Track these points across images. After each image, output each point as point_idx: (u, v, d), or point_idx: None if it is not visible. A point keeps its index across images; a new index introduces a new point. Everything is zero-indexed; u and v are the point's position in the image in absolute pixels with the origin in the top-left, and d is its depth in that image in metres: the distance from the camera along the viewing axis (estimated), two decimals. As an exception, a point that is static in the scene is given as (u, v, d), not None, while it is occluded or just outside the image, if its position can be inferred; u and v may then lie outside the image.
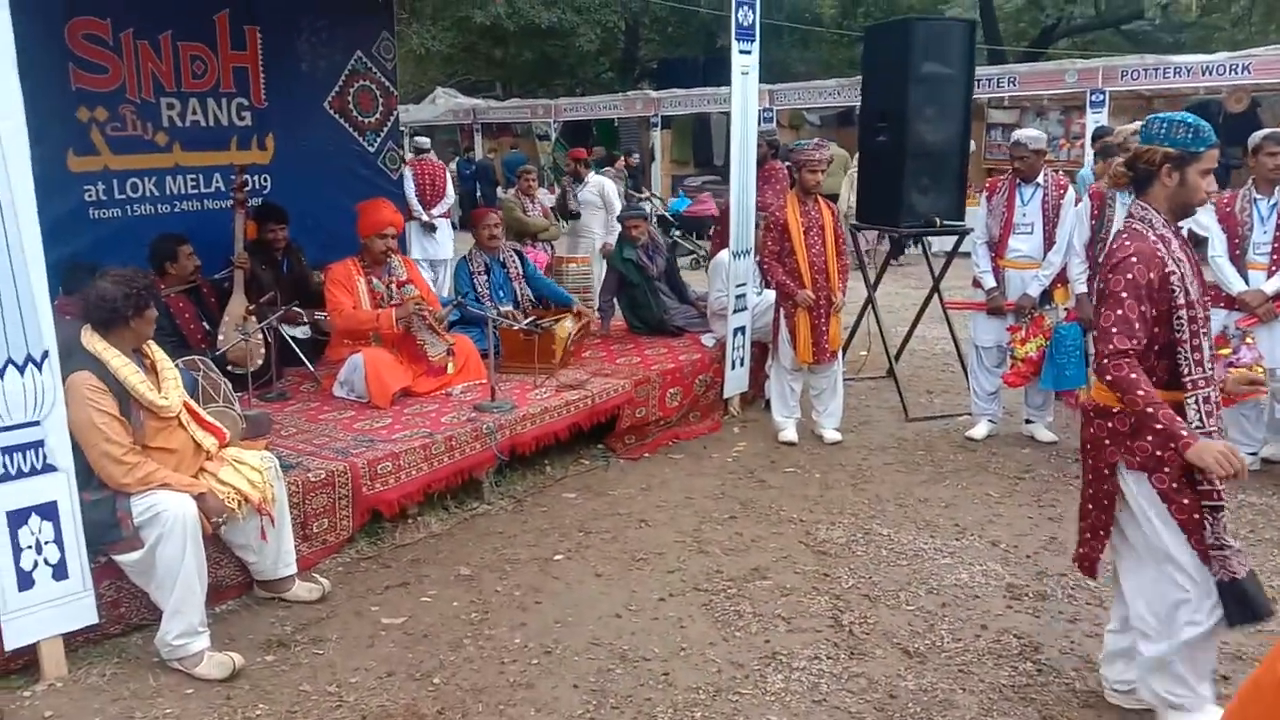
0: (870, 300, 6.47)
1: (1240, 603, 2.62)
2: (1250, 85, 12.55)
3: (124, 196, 5.71)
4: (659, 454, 5.50)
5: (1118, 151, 5.03)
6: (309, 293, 5.74)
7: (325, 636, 3.49)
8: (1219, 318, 4.94)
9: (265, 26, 6.34)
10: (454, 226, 9.04)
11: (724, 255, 6.10)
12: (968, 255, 5.84)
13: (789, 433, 5.64)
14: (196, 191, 6.10)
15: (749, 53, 5.80)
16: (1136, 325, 2.60)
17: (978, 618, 3.58)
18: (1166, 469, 2.65)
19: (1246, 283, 4.83)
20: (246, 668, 3.26)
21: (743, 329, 5.99)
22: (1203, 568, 2.65)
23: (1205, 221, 5.04)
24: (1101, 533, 2.87)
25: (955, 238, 6.55)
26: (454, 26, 22.45)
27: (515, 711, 3.01)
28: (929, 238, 6.61)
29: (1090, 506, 2.90)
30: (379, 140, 7.12)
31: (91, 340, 3.26)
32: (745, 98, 5.84)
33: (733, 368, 6.01)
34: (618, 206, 8.45)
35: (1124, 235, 2.75)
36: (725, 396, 6.08)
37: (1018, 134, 5.52)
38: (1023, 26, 24.79)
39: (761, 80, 18.35)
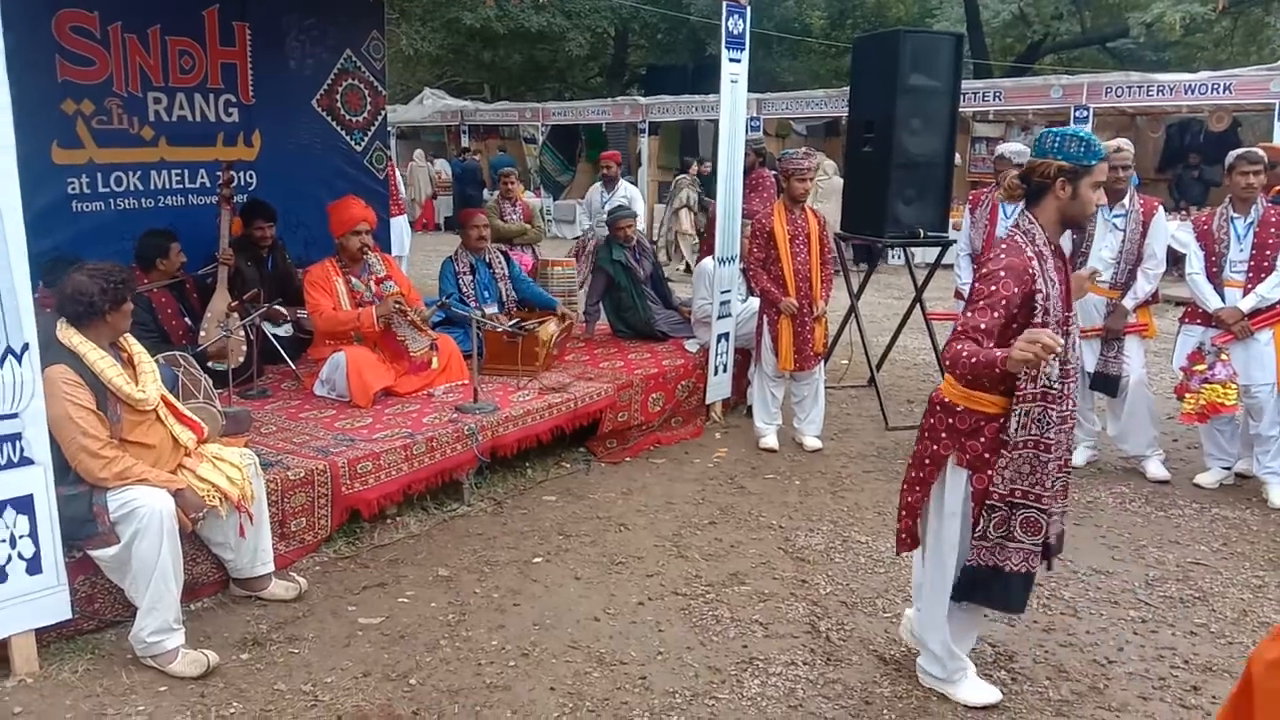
0: (853, 309, 6.50)
1: (973, 584, 2.96)
2: (1231, 105, 12.70)
3: (108, 190, 5.68)
4: (640, 458, 5.51)
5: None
6: (293, 290, 5.72)
7: (301, 635, 3.48)
8: (1196, 334, 5.02)
9: (255, 23, 6.32)
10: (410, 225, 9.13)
11: (708, 262, 6.12)
12: (950, 267, 5.88)
13: (770, 439, 5.66)
14: (181, 186, 6.07)
15: (739, 61, 5.83)
16: (983, 327, 2.70)
17: (953, 626, 3.60)
18: (989, 472, 2.85)
19: (1223, 300, 4.90)
20: (221, 666, 3.24)
21: (726, 335, 6.01)
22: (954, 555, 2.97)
23: (1184, 239, 5.12)
24: (916, 513, 3.11)
25: (938, 249, 6.59)
26: (444, 28, 22.43)
27: (491, 713, 3.01)
28: (912, 248, 6.64)
29: (912, 488, 3.09)
30: (366, 139, 7.11)
31: (67, 334, 3.24)
32: (734, 105, 5.86)
33: (715, 374, 6.03)
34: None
35: (1002, 245, 2.85)
36: (708, 402, 6.09)
37: (1002, 148, 5.58)
38: (1010, 41, 24.98)
39: (750, 89, 18.41)
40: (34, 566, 3.14)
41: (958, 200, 9.19)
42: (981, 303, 2.73)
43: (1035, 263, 2.75)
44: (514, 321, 5.58)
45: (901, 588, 3.90)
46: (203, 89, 6.11)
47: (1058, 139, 2.80)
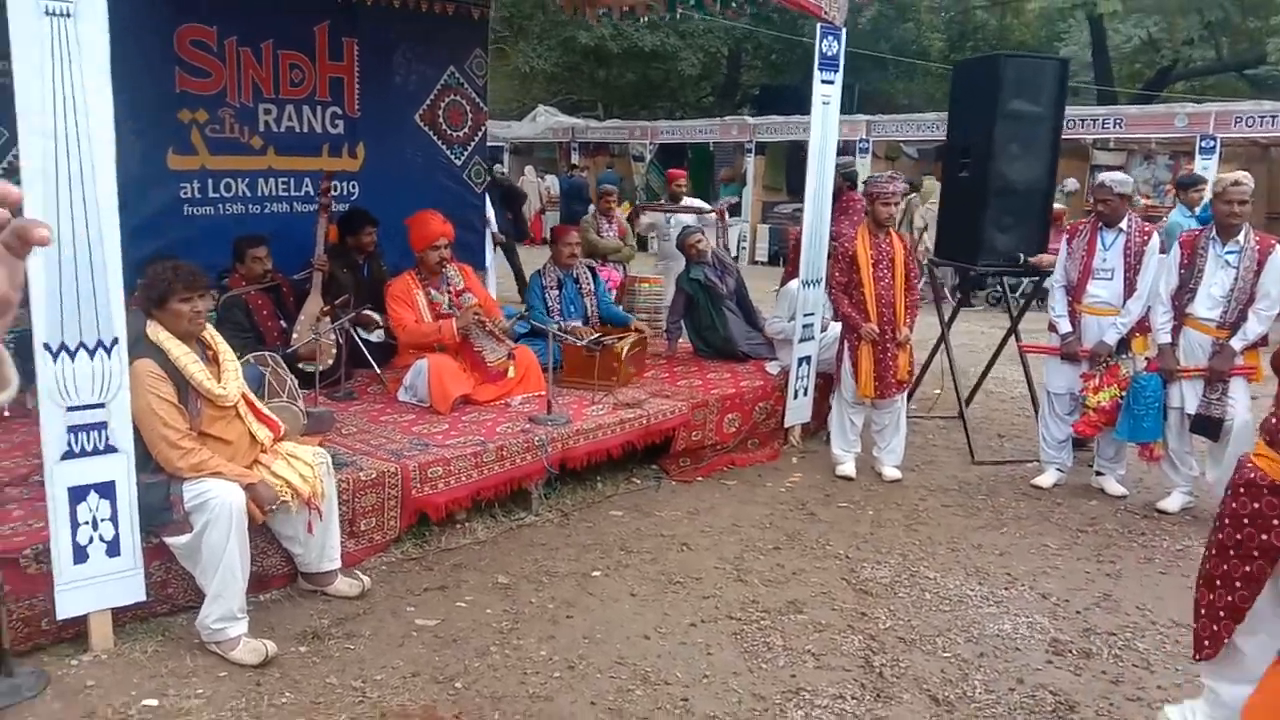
0: (943, 338, 6.33)
1: None
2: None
3: (217, 195, 5.99)
4: (712, 479, 5.47)
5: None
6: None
7: (359, 632, 3.57)
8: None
9: (363, 39, 6.59)
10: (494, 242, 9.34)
11: (793, 284, 6.07)
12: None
13: (847, 467, 5.56)
14: (286, 194, 6.35)
15: (831, 82, 5.77)
16: None
17: (1015, 670, 3.46)
18: None
19: None
20: (279, 656, 3.35)
21: (808, 358, 5.94)
22: None
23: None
24: (1235, 615, 2.75)
25: (1035, 279, 6.37)
26: (559, 46, 22.92)
27: (530, 723, 3.03)
28: (1010, 279, 6.44)
29: (1230, 583, 2.75)
30: (466, 154, 7.30)
31: (155, 331, 3.43)
32: (825, 127, 5.80)
33: (795, 397, 5.96)
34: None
35: None
36: (786, 426, 6.02)
37: (1103, 176, 5.36)
38: (1138, 67, 24.09)
39: (862, 110, 18.16)
40: (113, 549, 3.31)
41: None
42: None
43: None
44: (594, 337, 5.62)
45: (965, 628, 3.77)
46: (311, 101, 6.38)
47: None
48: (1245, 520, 2.71)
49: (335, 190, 6.31)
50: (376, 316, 5.54)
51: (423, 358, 5.09)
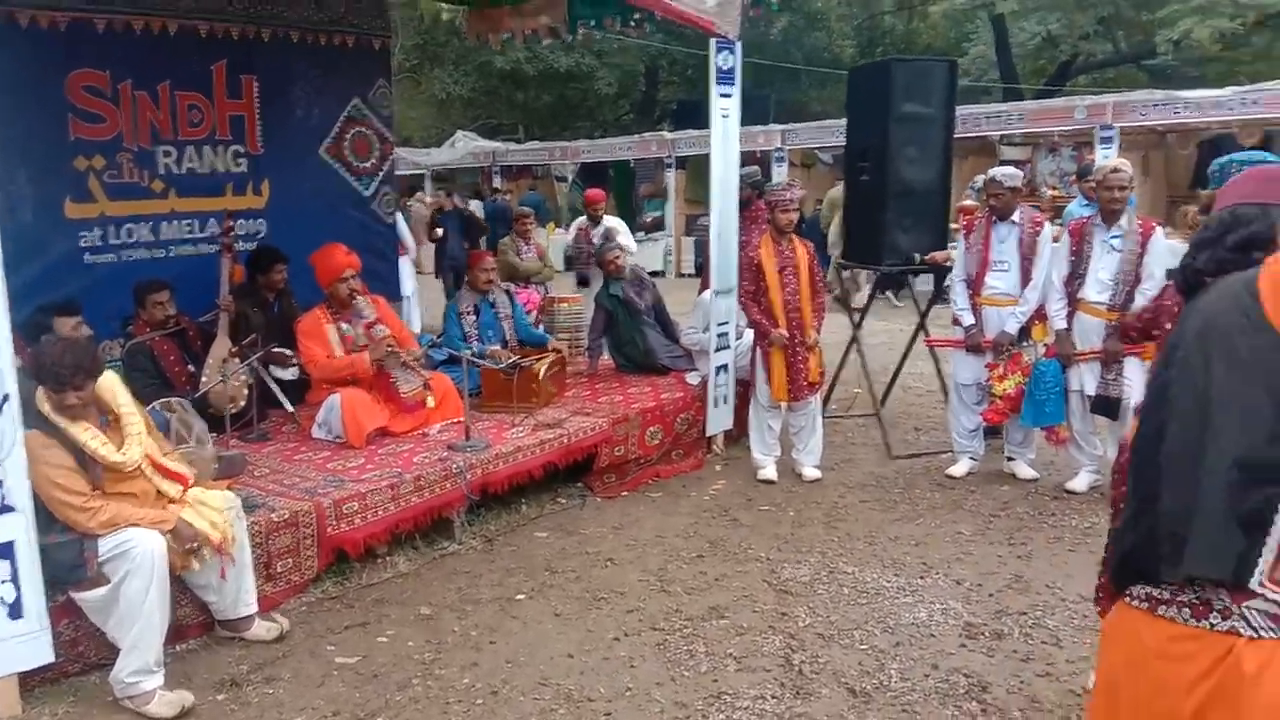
0: (855, 338, 6.47)
1: None
2: (1260, 120, 12.45)
3: (119, 241, 5.89)
4: (637, 492, 5.51)
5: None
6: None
7: (278, 676, 3.53)
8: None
9: (262, 75, 6.54)
10: (413, 265, 9.34)
11: (707, 294, 6.15)
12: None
13: (768, 471, 5.64)
14: (191, 236, 6.26)
15: (729, 96, 5.87)
16: None
17: (930, 657, 3.55)
18: None
19: None
20: (197, 706, 3.31)
21: (725, 367, 6.02)
22: None
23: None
24: None
25: (940, 276, 6.55)
26: (475, 71, 22.92)
27: (452, 751, 3.03)
28: (914, 276, 6.61)
29: None
30: (374, 184, 7.28)
31: (42, 402, 3.33)
32: (726, 140, 5.91)
33: (715, 405, 6.03)
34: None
35: None
36: (708, 434, 6.09)
37: (993, 171, 5.54)
38: (1042, 63, 24.81)
39: (778, 120, 18.31)
40: (15, 612, 3.23)
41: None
42: None
43: None
44: (511, 360, 5.64)
45: (882, 619, 3.85)
46: (211, 141, 6.31)
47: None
48: None
49: (240, 229, 6.25)
50: (288, 353, 5.49)
51: (335, 393, 5.05)
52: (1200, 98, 12.53)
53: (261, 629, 3.79)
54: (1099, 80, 24.40)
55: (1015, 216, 5.39)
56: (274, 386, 5.37)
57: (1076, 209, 7.24)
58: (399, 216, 8.13)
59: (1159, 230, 5.07)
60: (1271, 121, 12.27)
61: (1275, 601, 1.46)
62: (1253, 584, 1.46)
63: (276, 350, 5.35)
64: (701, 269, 10.94)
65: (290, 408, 5.41)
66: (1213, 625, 1.52)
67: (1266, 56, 21.28)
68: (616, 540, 4.78)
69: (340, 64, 6.97)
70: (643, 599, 4.11)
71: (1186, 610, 1.56)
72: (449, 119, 25.38)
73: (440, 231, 10.43)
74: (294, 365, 5.62)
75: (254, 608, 3.80)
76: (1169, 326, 2.71)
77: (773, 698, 3.30)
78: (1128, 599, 1.70)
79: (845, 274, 7.30)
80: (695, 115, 20.67)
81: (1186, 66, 23.08)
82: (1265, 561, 1.45)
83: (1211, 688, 1.51)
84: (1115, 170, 5.07)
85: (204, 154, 6.29)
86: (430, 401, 5.26)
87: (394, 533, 4.44)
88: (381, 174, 7.34)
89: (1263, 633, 1.47)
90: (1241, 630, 1.49)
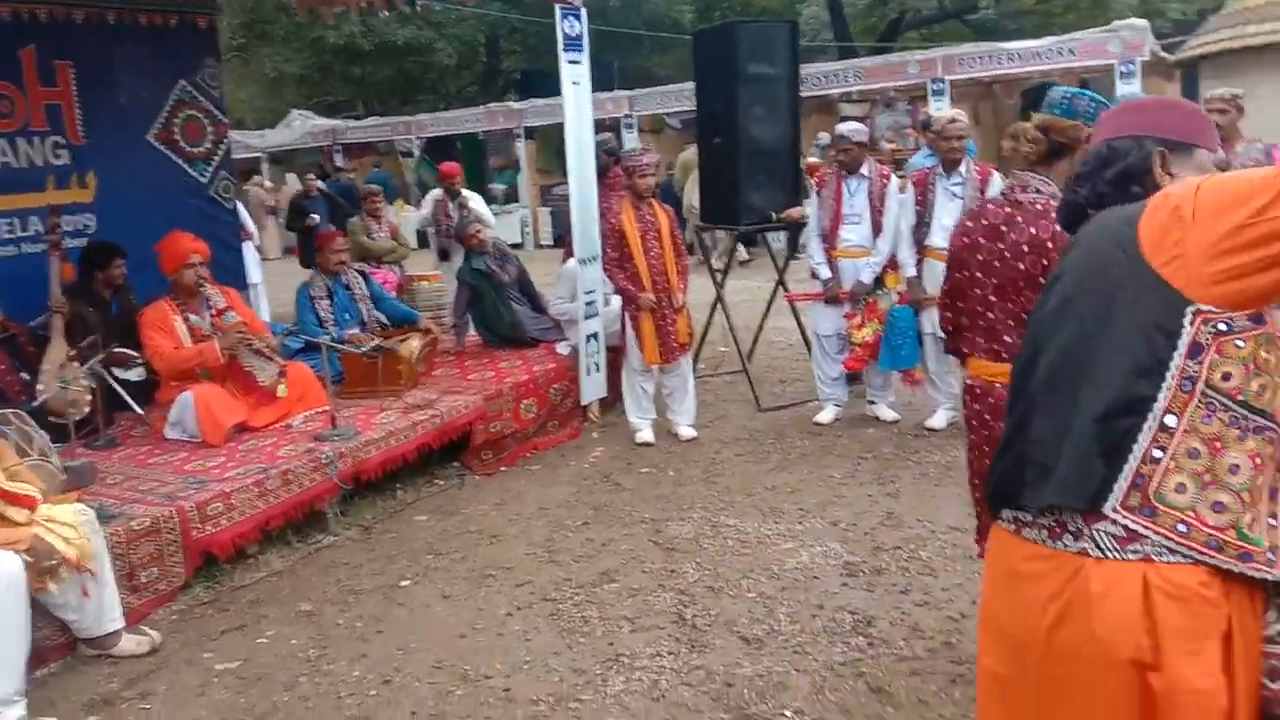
0: (719, 298, 6.58)
1: None
2: (1078, 67, 13.23)
3: (-68, 246, 5.41)
4: (516, 467, 5.47)
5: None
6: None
7: (154, 690, 3.35)
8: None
9: (78, 60, 6.09)
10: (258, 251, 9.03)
11: (571, 264, 6.13)
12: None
13: (645, 433, 5.69)
14: (12, 236, 5.82)
15: (579, 63, 5.84)
16: None
17: (815, 598, 3.68)
18: None
19: None
20: (67, 731, 3.11)
21: (596, 335, 6.02)
22: None
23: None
24: None
25: (795, 233, 6.72)
26: (308, 48, 21.96)
27: (349, 745, 2.95)
28: (771, 234, 6.75)
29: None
30: (211, 170, 6.90)
31: None
32: (579, 108, 5.87)
33: (588, 374, 6.03)
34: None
35: (1053, 219, 2.73)
36: (583, 403, 6.09)
37: (840, 128, 5.71)
38: (873, 21, 25.60)
39: (624, 86, 18.31)
40: None
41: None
42: None
43: None
44: (374, 343, 5.48)
45: (766, 566, 3.96)
46: (25, 133, 5.86)
47: (1093, 104, 2.74)
48: (987, 417, 2.97)
49: (67, 225, 5.83)
50: (132, 353, 5.17)
51: (187, 390, 4.79)
52: (1022, 48, 13.22)
53: (130, 643, 3.58)
54: (927, 36, 25.39)
55: (864, 170, 5.57)
56: (119, 389, 5.05)
57: (921, 160, 7.51)
58: (238, 202, 7.74)
59: (996, 175, 5.33)
60: (1089, 69, 13.05)
61: (1124, 526, 1.53)
62: (1106, 508, 1.53)
63: (118, 350, 5.03)
64: (562, 239, 10.91)
65: (139, 410, 5.10)
66: (1065, 546, 1.59)
67: (1075, 8, 22.62)
68: (499, 516, 4.74)
69: (164, 45, 6.55)
70: (532, 572, 4.09)
71: (1044, 531, 1.63)
72: (283, 98, 24.31)
73: (317, 218, 10.01)
74: (139, 365, 5.30)
75: (120, 622, 3.59)
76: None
77: (669, 654, 3.35)
78: (1000, 522, 1.78)
79: (705, 235, 7.37)
80: (542, 84, 20.47)
81: (1005, 20, 24.28)
82: (1120, 488, 1.52)
83: (1063, 605, 1.57)
84: (952, 120, 5.31)
85: (18, 147, 5.83)
86: (282, 390, 5.05)
87: (264, 530, 4.27)
88: (217, 158, 6.96)
89: (1109, 554, 1.53)
90: (1091, 551, 1.55)
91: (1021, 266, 2.79)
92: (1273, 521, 1.51)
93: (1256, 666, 1.49)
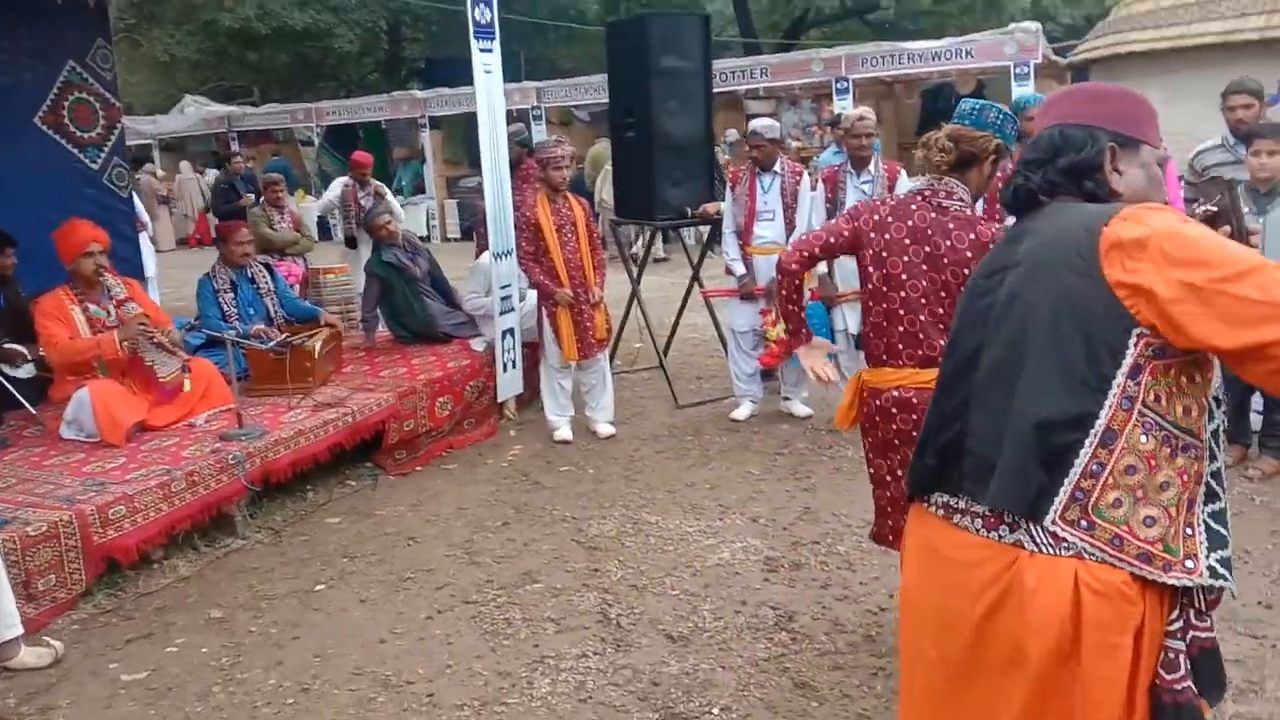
0: (635, 294, 6.58)
1: None
2: (975, 69, 13.66)
3: None
4: (432, 466, 5.38)
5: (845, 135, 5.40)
6: (28, 326, 5.21)
7: (55, 704, 3.19)
8: None
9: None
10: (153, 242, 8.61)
11: (485, 258, 6.05)
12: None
13: (563, 431, 5.66)
14: (-112, 226, 5.44)
15: (490, 51, 5.75)
16: None
17: (738, 594, 3.71)
18: None
19: None
20: (-42, 753, 2.94)
21: (511, 331, 5.95)
22: None
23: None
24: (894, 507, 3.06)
25: (710, 227, 6.76)
26: (201, 31, 21.17)
27: (268, 757, 2.86)
28: (684, 229, 6.78)
29: (893, 476, 3.06)
30: (103, 156, 6.58)
31: None
32: (491, 96, 5.79)
33: (504, 370, 5.96)
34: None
35: (984, 225, 2.83)
36: (500, 400, 6.02)
37: (753, 124, 5.76)
38: (776, 19, 25.98)
39: (530, 77, 18.13)
40: None
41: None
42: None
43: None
44: (281, 338, 5.31)
45: (689, 563, 3.98)
46: (-102, 114, 5.48)
47: (1000, 117, 2.79)
48: (877, 420, 3.04)
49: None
50: (20, 349, 4.89)
51: (83, 386, 4.57)
52: (923, 48, 13.55)
53: (30, 655, 3.39)
54: (829, 35, 25.89)
55: (777, 167, 5.64)
56: (9, 386, 4.77)
57: (829, 157, 7.64)
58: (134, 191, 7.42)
59: (903, 173, 5.47)
60: (985, 70, 13.48)
61: (1062, 538, 1.58)
62: (1046, 521, 1.58)
63: (8, 346, 4.76)
64: (471, 232, 10.74)
65: (32, 409, 4.84)
66: (1000, 537, 1.64)
67: (970, 11, 23.37)
68: (416, 517, 4.65)
69: (50, 24, 6.20)
70: (452, 573, 4.02)
71: (979, 521, 1.68)
72: (175, 83, 23.41)
73: (252, 198, 9.59)
74: (30, 362, 5.03)
75: (18, 631, 3.39)
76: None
77: (595, 654, 3.34)
78: (925, 504, 1.81)
79: (619, 230, 7.37)
80: (447, 72, 20.13)
81: (903, 20, 24.93)
82: (1060, 500, 1.57)
83: (997, 594, 1.63)
84: (861, 118, 5.41)
85: (-110, 127, 5.46)
86: (187, 385, 4.86)
87: (170, 534, 4.10)
88: (110, 144, 6.64)
89: (1043, 548, 1.59)
90: (1025, 544, 1.61)
91: (947, 277, 2.81)
92: (1189, 531, 1.58)
93: (1155, 657, 1.57)
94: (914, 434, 2.89)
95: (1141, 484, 1.55)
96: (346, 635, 3.55)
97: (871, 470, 3.16)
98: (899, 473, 3.01)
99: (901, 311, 2.88)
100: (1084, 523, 1.56)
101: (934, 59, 13.45)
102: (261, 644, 3.52)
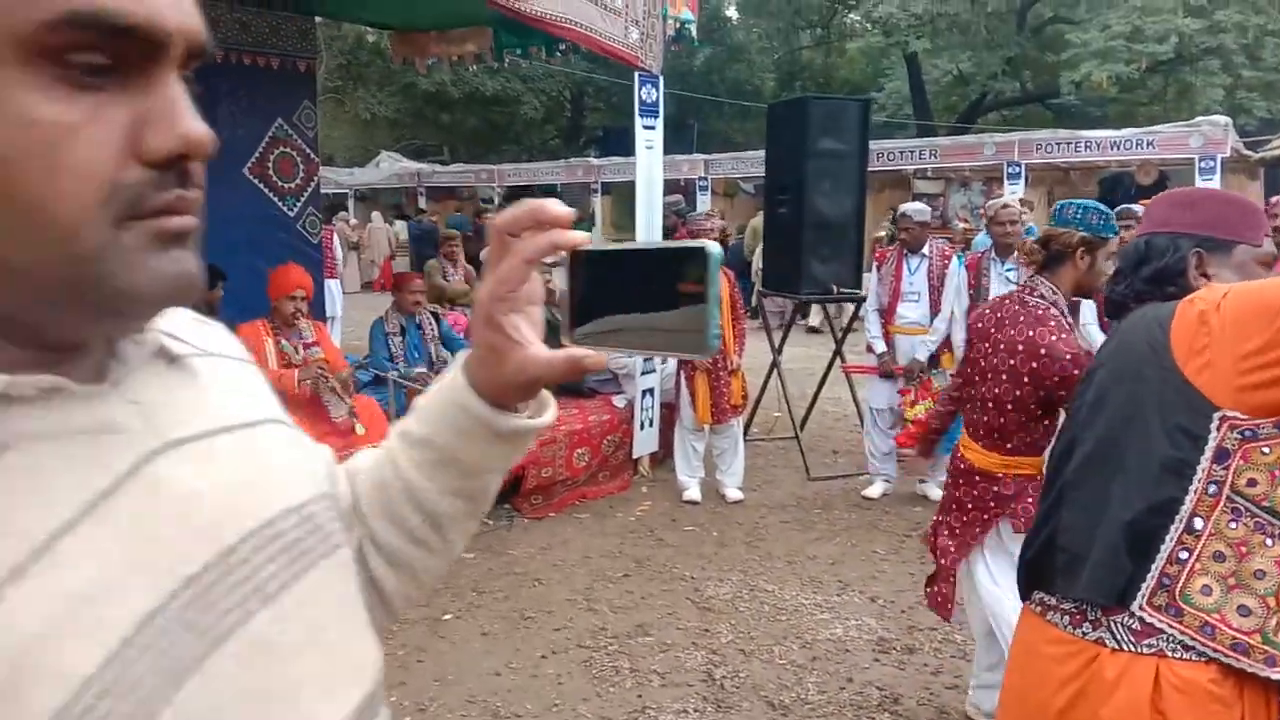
0: (775, 364, 6.68)
1: None
2: (1156, 160, 13.18)
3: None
4: (565, 513, 5.60)
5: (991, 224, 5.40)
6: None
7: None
8: None
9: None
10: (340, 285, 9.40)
11: (633, 319, 6.29)
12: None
13: (692, 492, 5.78)
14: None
15: (652, 127, 6.07)
16: None
17: (845, 671, 3.71)
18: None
19: None
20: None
21: (651, 390, 6.16)
22: None
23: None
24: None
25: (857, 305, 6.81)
26: (399, 92, 22.84)
27: (381, 767, 3.06)
28: (832, 304, 6.85)
29: (952, 553, 3.17)
30: (299, 205, 7.25)
31: None
32: (650, 169, 6.09)
33: (642, 428, 6.16)
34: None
35: (1051, 327, 2.87)
36: (634, 456, 6.21)
37: (904, 207, 5.82)
38: (954, 100, 25.76)
39: (701, 149, 18.67)
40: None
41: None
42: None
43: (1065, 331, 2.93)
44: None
45: (800, 635, 4.01)
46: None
47: (1079, 210, 2.90)
48: (968, 504, 3.10)
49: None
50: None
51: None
52: (1100, 137, 13.20)
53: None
54: (1008, 118, 25.45)
55: (925, 249, 5.66)
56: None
57: (983, 241, 7.57)
58: (335, 238, 8.12)
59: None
60: (1166, 161, 12.99)
61: (1142, 620, 1.60)
62: (1134, 606, 1.60)
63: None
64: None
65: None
66: (1084, 634, 1.68)
67: (1161, 100, 22.52)
68: (544, 560, 4.86)
69: (265, 85, 6.95)
70: (570, 617, 4.19)
71: (1066, 617, 1.72)
72: (373, 139, 25.24)
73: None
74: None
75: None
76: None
77: (695, 711, 3.42)
78: (1029, 604, 1.87)
79: (767, 300, 7.50)
80: (621, 142, 20.94)
81: (1089, 106, 24.26)
82: (1147, 586, 1.59)
83: (1077, 689, 1.65)
84: (1004, 207, 5.42)
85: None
86: (359, 429, 5.27)
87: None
88: (306, 195, 7.32)
89: (1123, 645, 1.61)
90: (1107, 641, 1.63)
91: (1010, 362, 2.93)
92: None
93: None
94: (968, 504, 3.04)
95: (1233, 571, 1.54)
96: (466, 664, 3.76)
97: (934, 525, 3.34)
98: (944, 530, 3.22)
99: (969, 389, 3.15)
100: (1172, 609, 1.57)
101: (1113, 148, 13.08)
102: (388, 664, 3.69)
